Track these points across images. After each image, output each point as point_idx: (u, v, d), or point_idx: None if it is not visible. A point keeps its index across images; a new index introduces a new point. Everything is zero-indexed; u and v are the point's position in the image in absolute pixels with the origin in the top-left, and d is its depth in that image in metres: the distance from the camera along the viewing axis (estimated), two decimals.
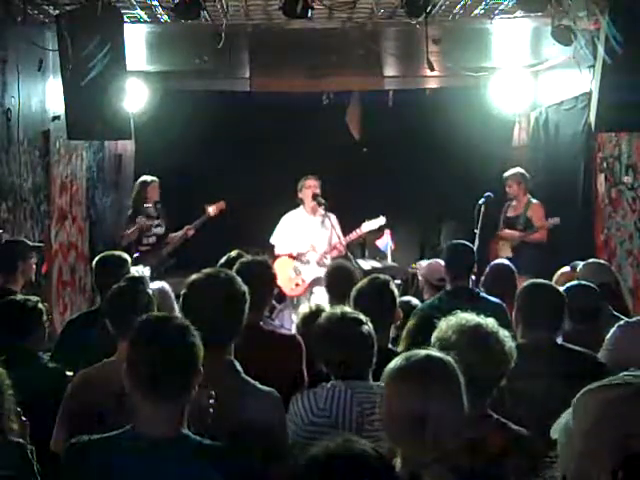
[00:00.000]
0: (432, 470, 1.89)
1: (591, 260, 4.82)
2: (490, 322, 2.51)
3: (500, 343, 2.44)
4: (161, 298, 3.87)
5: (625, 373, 1.33)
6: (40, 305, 3.59)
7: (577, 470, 1.29)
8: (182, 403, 2.09)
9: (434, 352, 2.09)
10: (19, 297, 3.70)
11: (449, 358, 2.06)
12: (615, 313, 4.13)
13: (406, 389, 1.97)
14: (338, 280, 4.49)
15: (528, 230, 7.18)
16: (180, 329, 2.13)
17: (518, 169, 7.49)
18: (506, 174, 7.46)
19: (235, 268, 3.46)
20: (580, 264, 4.69)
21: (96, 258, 4.46)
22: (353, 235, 6.99)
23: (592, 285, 4.06)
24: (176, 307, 4.14)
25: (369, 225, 7.04)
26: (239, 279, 2.73)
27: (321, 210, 6.91)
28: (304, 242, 6.98)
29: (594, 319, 3.95)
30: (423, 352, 2.07)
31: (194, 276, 2.71)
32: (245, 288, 2.70)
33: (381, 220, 7.08)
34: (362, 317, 2.90)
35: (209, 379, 2.48)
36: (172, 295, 4.27)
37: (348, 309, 3.00)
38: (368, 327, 2.87)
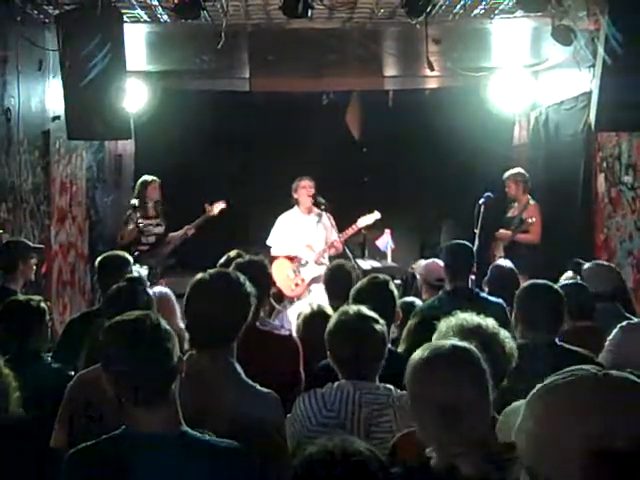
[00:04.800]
0: (468, 459, 1.89)
1: (598, 262, 4.84)
2: (490, 323, 2.50)
3: (501, 344, 2.43)
4: (163, 302, 3.87)
5: (572, 368, 1.35)
6: (43, 304, 3.59)
7: (549, 471, 1.30)
8: (172, 398, 2.07)
9: (458, 342, 2.08)
10: (22, 297, 3.69)
11: (473, 347, 2.05)
12: (627, 314, 4.18)
13: (438, 378, 1.96)
14: (337, 281, 4.49)
15: (521, 231, 7.19)
16: (151, 329, 2.07)
17: (517, 169, 7.49)
18: (505, 175, 7.47)
19: (230, 268, 3.45)
20: (585, 265, 4.69)
21: (98, 258, 4.47)
22: (349, 231, 7.00)
23: (585, 284, 4.10)
24: (177, 311, 4.14)
25: (365, 220, 7.06)
26: (245, 280, 2.70)
27: (316, 210, 6.92)
28: (300, 242, 6.98)
29: (589, 318, 3.98)
30: (448, 342, 2.06)
31: (199, 275, 2.69)
32: (251, 290, 2.68)
33: (376, 215, 7.09)
34: (377, 316, 2.89)
35: (209, 380, 2.49)
36: (173, 299, 4.26)
37: (364, 308, 2.98)
38: (382, 327, 2.86)
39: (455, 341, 2.08)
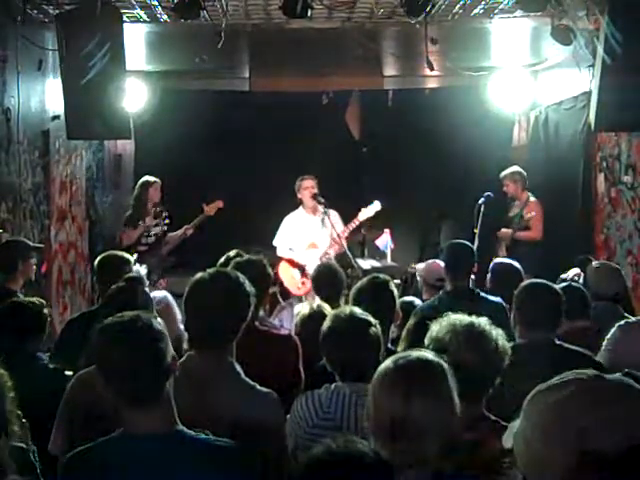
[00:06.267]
0: (410, 474, 1.88)
1: (604, 263, 4.84)
2: (483, 321, 2.50)
3: (493, 341, 2.43)
4: (162, 307, 3.87)
5: (573, 371, 1.36)
6: (45, 310, 3.59)
7: (539, 474, 1.31)
8: (167, 398, 2.07)
9: (426, 354, 2.06)
10: (25, 300, 3.68)
11: (439, 360, 2.02)
12: (625, 314, 4.19)
13: (389, 391, 1.95)
14: (324, 281, 4.50)
15: (521, 229, 7.19)
16: (143, 329, 2.06)
17: (514, 168, 7.49)
18: (502, 174, 7.47)
19: (229, 268, 3.45)
20: (593, 263, 4.70)
21: (98, 258, 4.46)
22: (351, 225, 7.04)
23: (579, 286, 4.13)
24: (177, 315, 4.14)
25: (366, 212, 7.09)
26: (245, 280, 2.70)
27: (321, 209, 6.93)
28: (306, 242, 7.01)
29: (587, 319, 4.00)
30: (414, 354, 2.04)
31: (198, 275, 2.69)
32: (250, 289, 2.68)
33: (376, 206, 7.11)
34: (371, 318, 2.87)
35: (209, 380, 2.49)
36: (173, 303, 4.27)
37: (358, 309, 2.96)
38: (376, 329, 2.84)
39: (422, 353, 2.06)
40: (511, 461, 1.75)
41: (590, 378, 1.32)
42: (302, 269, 6.96)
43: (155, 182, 7.19)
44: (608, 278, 4.45)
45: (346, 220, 7.12)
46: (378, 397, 1.97)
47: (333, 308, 3.66)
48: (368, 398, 2.03)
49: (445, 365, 2.02)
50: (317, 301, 4.29)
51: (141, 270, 5.24)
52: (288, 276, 6.96)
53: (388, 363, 2.01)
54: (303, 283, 6.94)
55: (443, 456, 1.90)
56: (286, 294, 6.86)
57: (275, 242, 7.11)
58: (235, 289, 2.64)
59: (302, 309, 4.13)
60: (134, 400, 2.04)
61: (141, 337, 2.04)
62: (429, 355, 2.05)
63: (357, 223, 7.07)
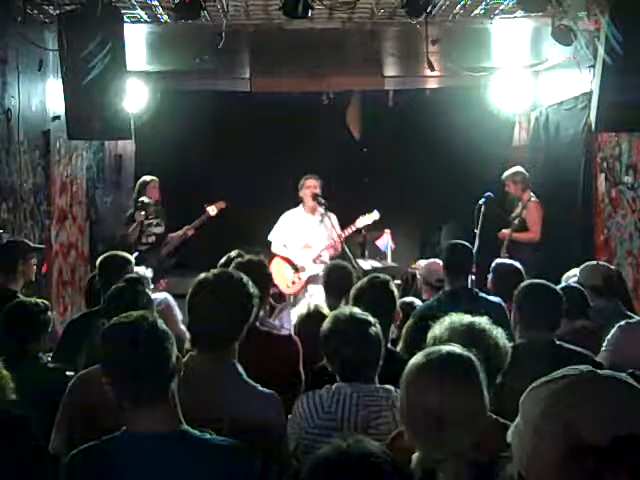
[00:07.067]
0: (447, 466, 1.90)
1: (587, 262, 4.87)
2: (483, 320, 2.51)
3: (493, 339, 2.44)
4: (164, 309, 3.87)
5: (568, 367, 1.37)
6: (49, 312, 3.59)
7: (531, 468, 1.32)
8: (172, 397, 2.07)
9: (456, 348, 2.08)
10: (28, 301, 3.68)
11: (469, 354, 2.05)
12: (628, 313, 4.19)
13: (423, 385, 1.97)
14: (337, 280, 4.49)
15: (519, 230, 7.18)
16: (149, 329, 2.07)
17: (515, 168, 7.48)
18: (504, 175, 7.46)
19: (231, 269, 3.45)
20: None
21: (99, 258, 4.46)
22: (348, 230, 7.03)
23: (578, 286, 4.16)
24: (178, 316, 4.14)
25: (363, 220, 7.08)
26: (249, 281, 2.70)
27: (321, 209, 6.93)
28: (301, 241, 7.00)
29: (587, 318, 4.00)
30: (445, 348, 2.07)
31: (202, 275, 2.69)
32: (254, 291, 2.68)
33: (375, 215, 7.10)
34: (371, 318, 2.87)
35: (211, 380, 2.49)
36: (174, 304, 4.27)
37: (357, 310, 2.96)
38: (376, 329, 2.84)
39: (453, 347, 2.08)
40: (507, 457, 1.76)
41: (581, 373, 1.33)
42: (295, 268, 6.96)
43: (152, 181, 7.21)
44: (590, 271, 4.48)
45: (345, 222, 7.10)
46: (411, 392, 1.99)
47: (334, 308, 3.66)
48: (399, 394, 2.04)
49: (475, 359, 2.04)
50: (314, 301, 4.29)
51: (147, 272, 5.25)
52: (279, 273, 6.89)
53: (419, 358, 2.03)
54: (293, 282, 6.93)
55: (476, 447, 1.92)
56: (278, 295, 6.82)
57: (270, 237, 7.10)
58: (240, 290, 2.65)
59: (300, 309, 4.14)
60: (139, 400, 2.04)
61: (147, 337, 2.05)
62: (459, 349, 2.07)
63: (353, 229, 7.06)
